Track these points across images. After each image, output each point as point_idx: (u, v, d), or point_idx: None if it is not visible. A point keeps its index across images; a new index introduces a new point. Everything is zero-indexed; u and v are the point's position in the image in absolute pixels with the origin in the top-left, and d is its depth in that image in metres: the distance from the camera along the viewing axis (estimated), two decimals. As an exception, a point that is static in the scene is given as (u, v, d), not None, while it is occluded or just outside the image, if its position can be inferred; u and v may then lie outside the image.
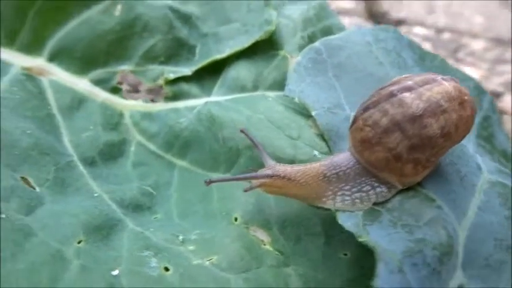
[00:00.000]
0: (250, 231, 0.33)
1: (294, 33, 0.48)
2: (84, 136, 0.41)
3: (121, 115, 0.44)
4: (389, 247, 0.27)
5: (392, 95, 0.30)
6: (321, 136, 0.37)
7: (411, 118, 0.29)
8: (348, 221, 0.29)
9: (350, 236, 0.33)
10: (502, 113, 0.71)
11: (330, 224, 0.34)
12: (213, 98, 0.44)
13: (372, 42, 0.40)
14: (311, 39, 0.48)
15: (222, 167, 0.38)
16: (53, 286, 0.26)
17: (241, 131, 0.35)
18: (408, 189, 0.31)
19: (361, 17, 1.05)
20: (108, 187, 0.37)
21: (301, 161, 0.35)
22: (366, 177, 0.31)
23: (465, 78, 0.42)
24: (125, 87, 0.45)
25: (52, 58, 0.45)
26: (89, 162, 0.39)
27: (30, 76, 0.43)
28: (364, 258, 0.32)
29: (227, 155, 0.38)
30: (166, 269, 0.29)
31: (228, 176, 0.35)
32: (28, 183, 0.32)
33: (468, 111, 0.30)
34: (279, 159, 0.35)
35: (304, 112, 0.39)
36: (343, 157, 0.32)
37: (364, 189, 0.31)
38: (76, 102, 0.43)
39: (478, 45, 0.97)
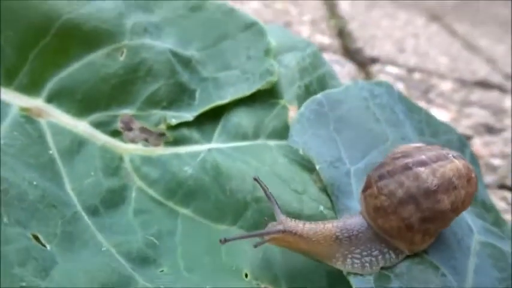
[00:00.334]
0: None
1: (292, 83, 0.50)
2: (86, 183, 0.40)
3: (121, 159, 0.44)
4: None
5: (407, 167, 0.32)
6: (325, 191, 0.38)
7: (426, 193, 0.31)
8: (362, 285, 0.31)
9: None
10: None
11: (334, 278, 0.36)
12: (214, 145, 0.45)
13: (368, 98, 0.43)
14: (307, 88, 0.50)
15: (228, 219, 0.39)
16: None
17: (255, 179, 0.36)
18: (415, 255, 0.33)
19: (337, 53, 1.10)
20: (115, 239, 0.36)
21: (308, 216, 0.37)
22: (376, 242, 0.33)
23: (449, 130, 0.46)
24: (125, 131, 0.45)
25: (51, 99, 0.44)
26: (92, 212, 0.38)
27: (29, 118, 0.42)
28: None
29: (234, 206, 0.38)
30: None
31: (242, 233, 0.36)
32: (39, 241, 0.31)
33: (473, 188, 0.33)
34: (286, 214, 0.36)
35: (306, 165, 0.41)
36: (356, 221, 0.33)
37: (374, 253, 0.32)
38: (76, 145, 0.43)
39: (446, 86, 1.04)
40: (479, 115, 0.89)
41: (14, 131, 0.39)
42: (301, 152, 0.38)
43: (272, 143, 0.45)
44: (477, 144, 0.78)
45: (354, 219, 0.34)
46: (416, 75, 1.06)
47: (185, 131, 0.46)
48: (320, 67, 0.53)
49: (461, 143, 0.50)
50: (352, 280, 0.32)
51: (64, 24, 0.45)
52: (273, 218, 0.35)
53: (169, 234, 0.39)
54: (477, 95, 0.98)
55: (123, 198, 0.41)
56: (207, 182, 0.40)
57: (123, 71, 0.45)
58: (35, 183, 0.35)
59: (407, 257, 0.33)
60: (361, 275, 0.32)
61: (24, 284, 0.27)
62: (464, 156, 0.50)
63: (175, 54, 0.49)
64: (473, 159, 0.52)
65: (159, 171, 0.43)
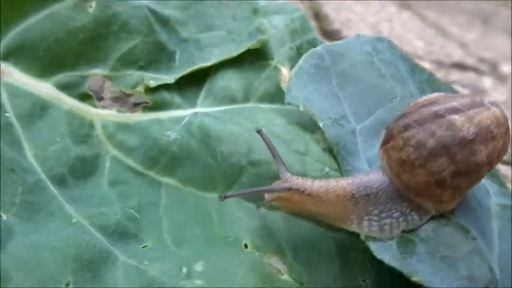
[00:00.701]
0: (265, 259, 0.29)
1: (282, 44, 0.45)
2: (50, 150, 0.34)
3: (91, 125, 0.38)
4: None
5: (438, 115, 0.28)
6: (329, 151, 0.34)
7: (461, 142, 0.27)
8: (385, 254, 0.27)
9: (367, 260, 0.31)
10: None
11: (344, 245, 0.32)
12: (200, 109, 0.40)
13: (372, 53, 0.39)
14: (299, 50, 0.46)
15: (220, 186, 0.34)
16: None
17: (258, 132, 0.31)
18: (440, 216, 0.29)
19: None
20: (87, 211, 0.31)
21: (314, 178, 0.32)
22: (398, 201, 0.28)
23: (453, 93, 0.43)
24: (96, 93, 0.40)
25: (7, 56, 0.38)
26: (58, 181, 0.33)
27: (-19, 77, 0.35)
28: (385, 285, 0.30)
29: (226, 172, 0.34)
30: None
31: (241, 190, 0.31)
32: (-7, 208, 0.25)
33: (509, 137, 0.29)
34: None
35: (307, 126, 0.36)
36: (375, 177, 0.29)
37: (395, 215, 0.28)
38: (38, 109, 0.37)
39: (425, 66, 1.03)
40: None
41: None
42: (301, 108, 0.34)
43: (265, 106, 0.41)
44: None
45: (372, 175, 0.29)
46: (394, 58, 1.04)
47: (166, 95, 0.41)
48: (310, 31, 0.49)
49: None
50: (372, 246, 0.27)
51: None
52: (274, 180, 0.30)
53: (151, 207, 0.34)
54: (455, 75, 0.98)
55: (95, 169, 0.36)
56: (194, 147, 0.35)
57: (93, 24, 0.39)
58: (-12, 143, 0.29)
59: (432, 218, 0.29)
60: (380, 239, 0.28)
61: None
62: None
63: (153, 11, 0.43)
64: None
65: (137, 138, 0.37)
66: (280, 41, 0.46)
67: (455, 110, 0.28)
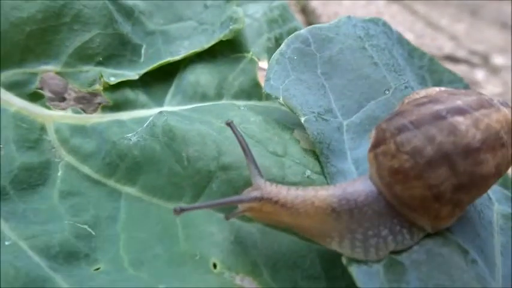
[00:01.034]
0: (237, 280, 0.25)
1: (259, 34, 0.41)
2: (-10, 158, 0.30)
3: (43, 129, 0.33)
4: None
5: (439, 116, 0.23)
6: (312, 152, 0.30)
7: (465, 151, 0.23)
8: (370, 283, 0.22)
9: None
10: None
11: (329, 261, 0.27)
12: (167, 108, 0.36)
13: (363, 37, 0.34)
14: (278, 41, 0.42)
15: (187, 195, 0.29)
16: None
17: (228, 125, 0.27)
18: (436, 234, 0.24)
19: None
20: (28, 230, 0.26)
21: (292, 184, 0.28)
22: (387, 216, 0.24)
23: (455, 80, 0.38)
24: (48, 93, 0.35)
25: None
26: (-2, 195, 0.28)
27: None
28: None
29: (194, 178, 0.29)
30: None
31: (204, 202, 0.27)
32: None
33: None
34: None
35: (287, 124, 0.32)
36: (361, 187, 0.24)
37: (383, 233, 0.24)
38: (-22, 113, 0.32)
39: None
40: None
41: None
42: (280, 100, 0.30)
43: (240, 103, 0.36)
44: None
45: (358, 185, 0.25)
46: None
47: (129, 93, 0.36)
48: (290, 20, 0.45)
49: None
50: (355, 273, 0.23)
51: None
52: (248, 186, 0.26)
53: (109, 221, 0.29)
54: (448, 67, 0.94)
55: (45, 178, 0.31)
56: (157, 151, 0.30)
57: (42, 15, 0.34)
58: None
59: (426, 236, 0.24)
60: (365, 263, 0.24)
61: None
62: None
63: (113, 1, 0.39)
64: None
65: (94, 142, 0.33)
66: (257, 31, 0.41)
67: (460, 111, 0.23)
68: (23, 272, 0.22)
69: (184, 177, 0.29)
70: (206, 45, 0.38)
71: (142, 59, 0.39)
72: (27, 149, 0.32)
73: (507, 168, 0.24)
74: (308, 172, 0.29)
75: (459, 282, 0.22)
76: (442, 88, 0.26)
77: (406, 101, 0.26)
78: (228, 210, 0.28)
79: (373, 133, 0.25)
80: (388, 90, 0.32)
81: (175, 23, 0.41)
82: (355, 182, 0.25)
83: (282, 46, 0.31)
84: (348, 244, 0.24)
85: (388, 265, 0.23)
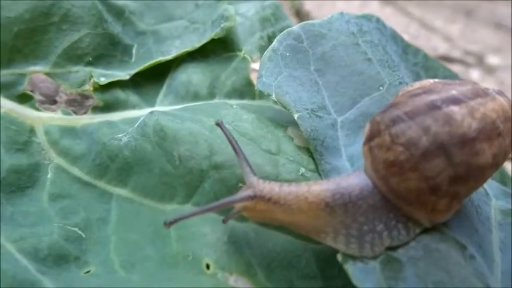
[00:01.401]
0: (230, 281, 0.24)
1: (251, 33, 0.41)
2: (-23, 160, 0.29)
3: (32, 131, 0.33)
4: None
5: (434, 106, 0.23)
6: (305, 149, 0.29)
7: (461, 141, 0.22)
8: (367, 281, 0.22)
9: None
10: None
11: (326, 261, 0.27)
12: (159, 108, 0.35)
13: (356, 33, 0.33)
14: (270, 39, 0.41)
15: (179, 195, 0.29)
16: None
17: (217, 125, 0.27)
18: (432, 229, 0.24)
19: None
20: (15, 233, 0.25)
21: (286, 181, 0.27)
22: (382, 211, 0.23)
23: (450, 76, 0.38)
24: (37, 94, 0.34)
25: None
26: (-16, 198, 0.27)
27: None
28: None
29: (186, 178, 0.29)
30: None
31: (194, 209, 0.26)
32: None
33: None
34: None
35: (280, 121, 0.32)
36: (356, 181, 0.24)
37: (378, 228, 0.23)
38: (-35, 115, 0.32)
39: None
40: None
41: None
42: (273, 97, 0.29)
43: (232, 102, 0.36)
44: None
45: (352, 179, 0.24)
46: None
47: (119, 94, 0.36)
48: (283, 19, 0.44)
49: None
50: (351, 270, 0.22)
51: None
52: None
53: (100, 223, 0.29)
54: (443, 67, 0.94)
55: (34, 181, 0.30)
56: (148, 151, 0.30)
57: (29, 15, 0.34)
58: None
59: (422, 232, 0.24)
60: (360, 260, 0.23)
61: None
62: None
63: (103, 1, 0.38)
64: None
65: (84, 143, 0.32)
66: (249, 30, 0.41)
67: (455, 101, 0.23)
68: (9, 275, 0.21)
69: (176, 177, 0.29)
70: (198, 45, 0.38)
71: (133, 59, 0.38)
72: (16, 151, 0.31)
73: (504, 159, 0.24)
74: (302, 170, 0.28)
75: (457, 278, 0.22)
76: (436, 80, 0.26)
77: (401, 93, 0.26)
78: (222, 210, 0.27)
79: (367, 127, 0.25)
80: (382, 86, 0.31)
81: (166, 22, 0.41)
82: (350, 176, 0.24)
83: (274, 43, 0.31)
84: (343, 240, 0.24)
85: (384, 262, 0.23)
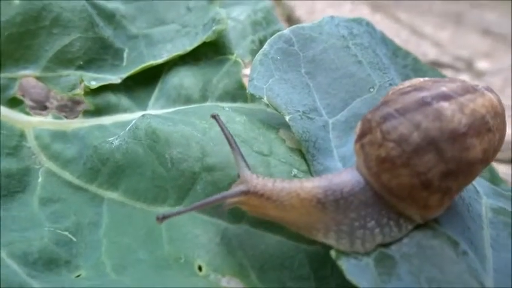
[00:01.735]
0: (223, 282, 0.24)
1: (243, 37, 0.41)
2: (-34, 165, 0.29)
3: (22, 135, 0.33)
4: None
5: (424, 102, 0.23)
6: (298, 151, 0.29)
7: (451, 136, 0.22)
8: (360, 277, 0.22)
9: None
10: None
11: (318, 261, 0.27)
12: (151, 112, 0.35)
13: (347, 36, 0.34)
14: (262, 43, 0.42)
15: (171, 198, 0.28)
16: None
17: (213, 117, 0.27)
18: (424, 226, 0.24)
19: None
20: (4, 237, 0.25)
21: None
22: (374, 207, 0.23)
23: (439, 78, 0.38)
24: (28, 100, 0.34)
25: None
26: (-26, 202, 0.27)
27: None
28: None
29: (178, 181, 0.28)
30: None
31: (189, 206, 0.26)
32: None
33: (506, 130, 0.25)
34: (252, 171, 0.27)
35: (271, 124, 0.32)
36: (348, 178, 0.24)
37: (370, 225, 0.23)
38: (-46, 119, 0.31)
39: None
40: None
41: None
42: (264, 99, 0.29)
43: (224, 105, 0.36)
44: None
45: (344, 175, 0.24)
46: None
47: (111, 97, 0.36)
48: (275, 23, 0.45)
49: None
50: (345, 266, 0.22)
51: None
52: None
53: (91, 227, 0.28)
54: (432, 72, 0.95)
55: (25, 185, 0.30)
56: (140, 154, 0.30)
57: (20, 18, 0.34)
58: None
59: (415, 228, 0.24)
60: (354, 257, 0.23)
61: None
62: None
63: (94, 5, 0.38)
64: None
65: (75, 147, 0.32)
66: (241, 33, 0.41)
67: (445, 97, 0.23)
68: (-2, 279, 0.21)
69: (168, 180, 0.29)
70: (189, 48, 0.38)
71: (124, 63, 0.38)
72: (6, 155, 0.31)
73: (494, 155, 0.24)
74: (295, 171, 0.28)
75: (451, 274, 0.22)
76: (426, 78, 0.26)
77: (391, 92, 0.26)
78: (214, 210, 0.27)
79: (358, 125, 0.25)
80: (373, 87, 0.32)
81: (158, 26, 0.41)
82: (342, 173, 0.25)
83: (265, 46, 0.31)
84: (333, 236, 0.24)
85: (378, 259, 0.23)
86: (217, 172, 0.28)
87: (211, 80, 0.37)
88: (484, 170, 0.36)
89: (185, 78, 0.37)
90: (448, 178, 0.23)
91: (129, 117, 0.35)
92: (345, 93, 0.31)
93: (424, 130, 0.22)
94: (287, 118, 0.29)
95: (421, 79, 0.26)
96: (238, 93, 0.37)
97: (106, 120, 0.34)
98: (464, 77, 0.99)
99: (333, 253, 0.23)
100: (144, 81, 0.38)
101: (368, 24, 0.35)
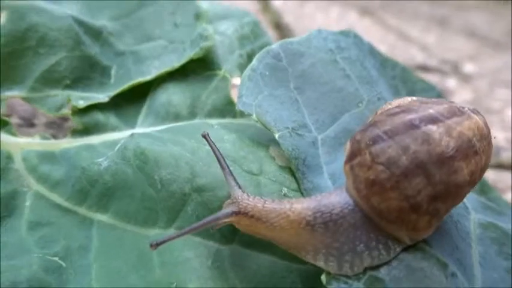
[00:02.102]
0: (215, 308, 0.24)
1: (231, 51, 0.41)
2: (-49, 191, 0.28)
3: (9, 158, 0.32)
4: None
5: (413, 125, 0.23)
6: (287, 168, 0.30)
7: (439, 159, 0.23)
8: None
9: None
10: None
11: (311, 281, 0.27)
12: (139, 130, 0.35)
13: (334, 50, 0.34)
14: (250, 57, 0.42)
15: (162, 220, 0.28)
16: None
17: (203, 136, 0.27)
18: (413, 247, 0.24)
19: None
20: (-8, 265, 0.25)
21: (269, 202, 0.27)
22: (363, 230, 0.23)
23: (428, 88, 0.39)
24: (16, 119, 0.34)
25: None
26: (-40, 229, 0.27)
27: None
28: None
29: (168, 202, 0.28)
30: None
31: (182, 230, 0.26)
32: None
33: (492, 151, 0.25)
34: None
35: (261, 141, 0.32)
36: (337, 200, 0.24)
37: (359, 248, 0.23)
38: None
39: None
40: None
41: None
42: (254, 116, 0.29)
43: (213, 121, 0.36)
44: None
45: (333, 197, 0.24)
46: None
47: (99, 116, 0.35)
48: (262, 36, 0.45)
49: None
50: None
51: None
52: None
53: (81, 251, 0.28)
54: (421, 76, 0.96)
55: (12, 209, 0.30)
56: (129, 175, 0.29)
57: (4, 39, 0.33)
58: None
59: (404, 250, 0.24)
60: (344, 281, 0.23)
61: None
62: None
63: (80, 23, 0.38)
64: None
65: (64, 169, 0.32)
66: (229, 48, 0.41)
67: (432, 120, 0.23)
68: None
69: (158, 201, 0.28)
70: (177, 64, 0.38)
71: (112, 80, 0.38)
72: (-7, 179, 0.30)
73: (481, 176, 0.24)
74: (285, 190, 0.28)
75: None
76: (414, 98, 0.26)
77: (379, 111, 0.26)
78: (204, 231, 0.27)
79: (348, 145, 0.25)
80: (362, 102, 0.32)
81: (145, 42, 0.41)
82: (331, 194, 0.25)
83: (253, 62, 0.31)
84: (322, 258, 0.24)
85: (368, 283, 0.23)
86: (208, 193, 0.28)
87: (200, 96, 0.37)
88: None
89: (173, 95, 0.37)
90: (436, 201, 0.23)
91: (117, 136, 0.35)
92: (333, 108, 0.31)
93: (412, 153, 0.22)
94: (276, 136, 0.29)
95: (409, 99, 0.26)
96: (227, 109, 0.37)
97: (94, 139, 0.34)
98: (451, 80, 1.00)
99: (323, 278, 0.23)
100: (132, 99, 0.37)
101: (356, 36, 0.35)
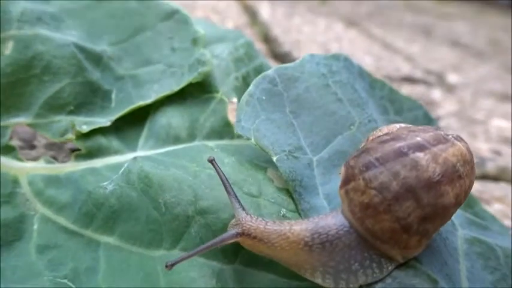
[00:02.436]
0: (221, 326, 0.25)
1: (227, 74, 0.43)
2: (-38, 218, 0.29)
3: (15, 182, 0.33)
4: None
5: (401, 153, 0.25)
6: (285, 190, 0.31)
7: (427, 184, 0.25)
8: None
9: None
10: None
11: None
12: (141, 153, 0.36)
13: (327, 74, 0.36)
14: (245, 79, 0.44)
15: (166, 242, 0.30)
16: None
17: (210, 161, 0.29)
18: (405, 265, 0.26)
19: (266, 57, 1.06)
20: (7, 290, 0.26)
21: (269, 224, 0.29)
22: (357, 250, 0.26)
23: (414, 107, 0.41)
24: (17, 141, 0.35)
25: None
26: (-27, 255, 0.28)
27: None
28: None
29: (172, 224, 0.30)
30: None
31: (192, 251, 0.27)
32: None
33: (474, 175, 0.27)
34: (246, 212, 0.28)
35: (259, 163, 0.33)
36: (333, 221, 0.26)
37: (354, 267, 0.25)
38: None
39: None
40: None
41: None
42: (252, 140, 0.31)
43: (212, 143, 0.37)
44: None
45: (330, 219, 0.26)
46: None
47: (102, 140, 0.37)
48: (256, 57, 0.47)
49: (428, 120, 0.46)
50: None
51: None
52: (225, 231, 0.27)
53: (89, 272, 0.29)
54: (406, 89, 0.99)
55: (21, 233, 0.31)
56: (134, 199, 0.31)
57: (11, 68, 0.35)
58: None
59: (396, 267, 0.26)
60: None
61: None
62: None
63: (82, 49, 0.40)
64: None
65: (69, 192, 0.33)
66: (225, 71, 0.43)
67: (419, 147, 0.25)
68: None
69: (163, 224, 0.30)
70: (176, 88, 0.39)
71: (113, 104, 0.39)
72: (2, 204, 0.32)
73: (465, 197, 0.26)
74: (283, 211, 0.30)
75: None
76: (402, 124, 0.29)
77: (371, 138, 0.28)
78: (209, 253, 0.29)
79: (342, 170, 0.27)
80: (353, 124, 0.34)
81: (144, 66, 0.42)
82: (327, 216, 0.27)
83: (250, 87, 0.33)
84: (320, 275, 0.26)
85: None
86: (211, 215, 0.29)
87: (199, 119, 0.39)
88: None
89: (172, 118, 0.38)
90: (425, 222, 0.25)
91: (120, 159, 0.36)
92: (327, 131, 0.33)
93: (402, 179, 0.25)
94: (274, 159, 0.30)
95: (397, 125, 0.28)
96: (225, 131, 0.39)
97: (98, 162, 0.35)
98: (437, 91, 1.03)
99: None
100: (132, 122, 0.39)
101: (346, 59, 0.38)
